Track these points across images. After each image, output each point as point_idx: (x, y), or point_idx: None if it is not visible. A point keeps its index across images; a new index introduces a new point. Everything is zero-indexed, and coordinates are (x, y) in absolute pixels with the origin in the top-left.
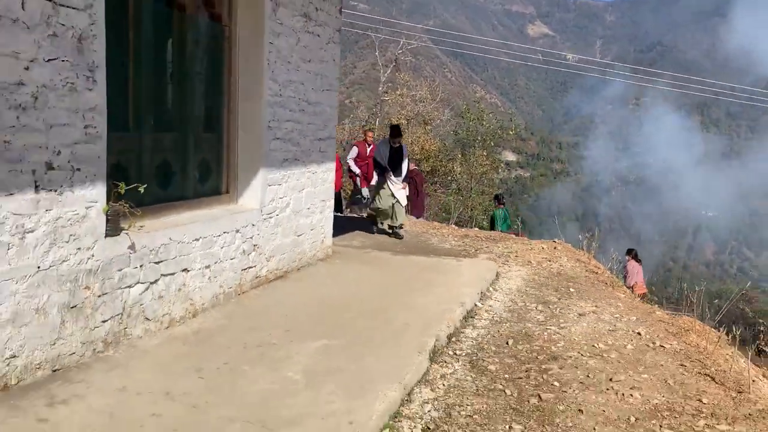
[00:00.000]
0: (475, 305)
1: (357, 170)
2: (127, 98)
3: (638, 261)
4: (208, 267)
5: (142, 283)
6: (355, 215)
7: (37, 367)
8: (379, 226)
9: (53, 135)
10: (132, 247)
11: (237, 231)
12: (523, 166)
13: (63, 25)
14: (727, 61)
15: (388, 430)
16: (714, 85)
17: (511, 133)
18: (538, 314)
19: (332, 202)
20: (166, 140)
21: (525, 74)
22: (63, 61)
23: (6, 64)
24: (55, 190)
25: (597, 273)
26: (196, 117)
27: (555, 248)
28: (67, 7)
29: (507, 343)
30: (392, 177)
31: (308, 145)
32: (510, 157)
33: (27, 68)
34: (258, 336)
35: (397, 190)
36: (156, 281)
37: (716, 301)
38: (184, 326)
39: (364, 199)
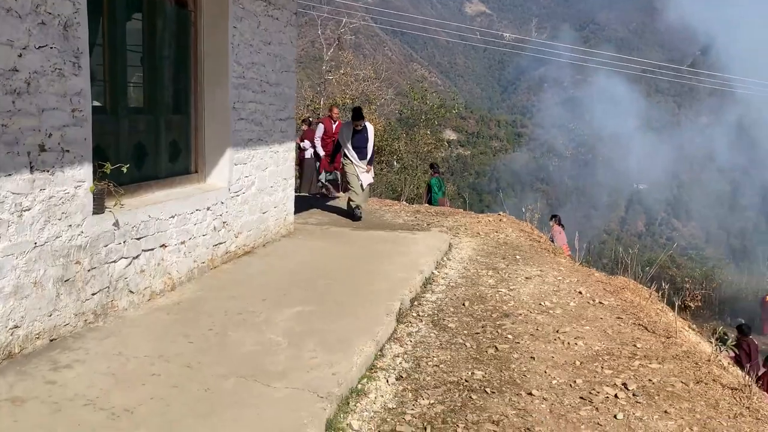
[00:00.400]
0: (433, 273)
1: (322, 152)
2: (103, 82)
3: (561, 226)
4: (183, 243)
5: (125, 258)
6: (318, 195)
7: (37, 336)
8: (351, 205)
9: (45, 118)
10: (116, 224)
11: (208, 209)
12: (464, 144)
13: (50, 13)
14: (659, 37)
15: (366, 379)
16: (643, 64)
17: (453, 111)
18: (489, 279)
19: (293, 181)
20: (140, 123)
21: (464, 53)
22: (51, 48)
23: (2, 51)
24: (48, 171)
25: (540, 242)
26: (166, 100)
27: (500, 221)
28: None
29: (464, 305)
30: (356, 160)
31: (270, 125)
32: (451, 135)
33: (20, 55)
34: (237, 305)
35: (362, 173)
36: (138, 256)
37: (647, 268)
38: (165, 298)
39: (321, 184)
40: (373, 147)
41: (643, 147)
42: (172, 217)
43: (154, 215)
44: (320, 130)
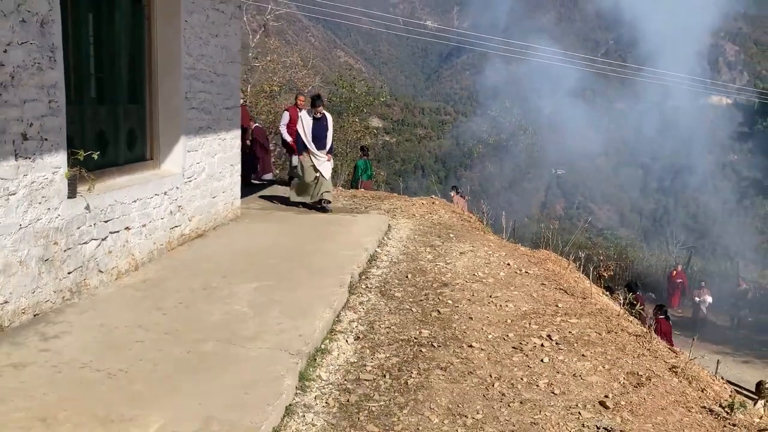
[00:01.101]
0: (376, 251)
1: (289, 138)
2: (69, 73)
3: (462, 196)
4: (144, 226)
5: (95, 239)
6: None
7: (23, 312)
8: (293, 199)
9: (27, 109)
10: (87, 207)
11: (165, 193)
12: (389, 132)
13: (29, 11)
14: (575, 26)
15: (328, 340)
16: (561, 54)
17: (381, 99)
18: (428, 254)
19: (239, 167)
20: (101, 112)
21: (387, 40)
22: (31, 44)
23: None
24: (30, 158)
25: (470, 222)
26: (123, 90)
27: (433, 203)
28: None
29: (407, 277)
30: (315, 150)
31: (218, 114)
32: (377, 123)
33: (5, 51)
34: (199, 281)
35: (321, 163)
36: (105, 238)
37: (565, 247)
38: (130, 277)
39: (294, 168)
40: (332, 136)
41: (562, 134)
42: (135, 201)
43: (119, 200)
44: (285, 117)
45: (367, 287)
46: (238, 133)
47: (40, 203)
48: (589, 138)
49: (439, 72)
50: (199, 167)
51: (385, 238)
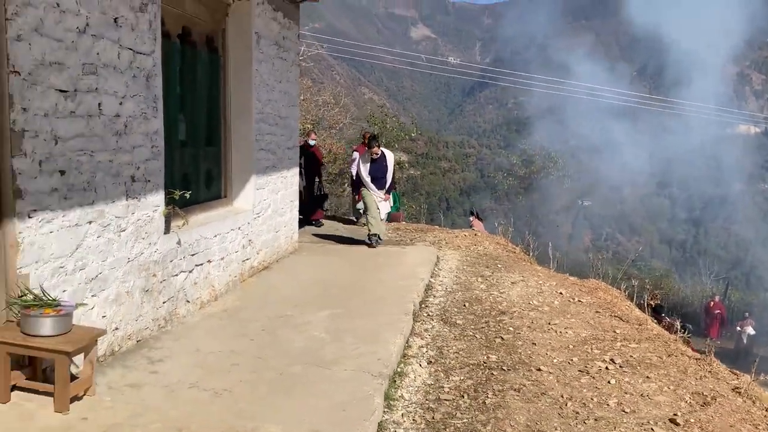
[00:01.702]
0: (430, 281)
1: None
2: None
3: (480, 219)
4: (222, 259)
5: (184, 271)
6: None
7: (129, 338)
8: (372, 232)
9: (135, 154)
10: (179, 242)
11: (239, 228)
12: (414, 165)
13: (138, 68)
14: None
15: (402, 364)
16: (585, 87)
17: (412, 134)
18: (480, 284)
19: (297, 203)
20: (186, 154)
21: (410, 76)
22: (140, 96)
23: (111, 101)
24: (136, 198)
25: (515, 253)
26: (202, 134)
27: (475, 235)
28: (141, 53)
29: (464, 306)
30: (374, 190)
31: (281, 154)
32: (402, 157)
33: (121, 103)
34: (275, 311)
35: (380, 202)
36: (192, 270)
37: (615, 278)
38: (212, 307)
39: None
40: (393, 175)
41: (587, 165)
42: (215, 236)
43: (203, 235)
44: (355, 157)
45: (428, 315)
46: (296, 171)
47: (143, 238)
48: (615, 169)
49: (462, 106)
50: (266, 203)
51: (436, 269)
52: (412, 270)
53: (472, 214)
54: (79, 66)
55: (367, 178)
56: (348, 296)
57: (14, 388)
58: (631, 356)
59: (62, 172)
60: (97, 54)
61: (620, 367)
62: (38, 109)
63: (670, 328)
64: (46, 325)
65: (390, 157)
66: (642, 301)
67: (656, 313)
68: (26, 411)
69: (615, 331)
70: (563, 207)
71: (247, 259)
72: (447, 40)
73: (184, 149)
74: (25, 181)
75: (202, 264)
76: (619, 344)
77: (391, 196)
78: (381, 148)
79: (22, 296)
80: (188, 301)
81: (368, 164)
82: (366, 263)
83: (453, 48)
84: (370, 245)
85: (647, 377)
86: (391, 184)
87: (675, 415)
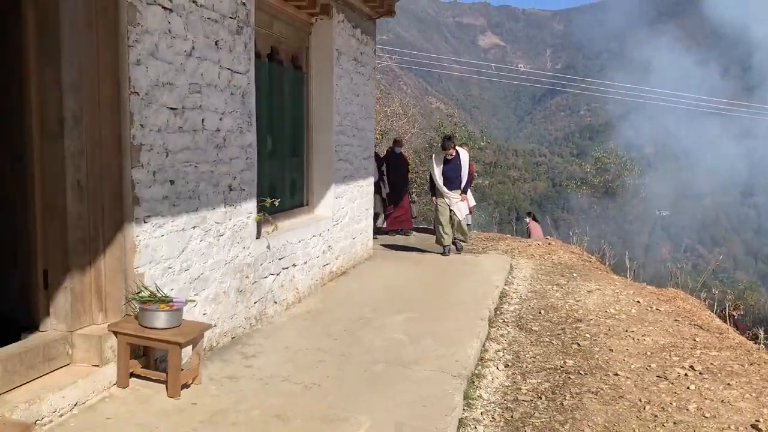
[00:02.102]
0: (504, 288)
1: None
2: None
3: (536, 221)
4: (305, 263)
5: (272, 274)
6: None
7: (224, 335)
8: (444, 244)
9: (232, 165)
10: (268, 246)
11: (320, 235)
12: (482, 175)
13: (235, 86)
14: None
15: (480, 367)
16: (658, 93)
17: (482, 143)
18: (555, 292)
19: (372, 211)
20: (273, 165)
21: (478, 84)
22: (236, 112)
23: (213, 117)
24: (233, 205)
25: (590, 262)
26: (287, 145)
27: (549, 244)
28: (238, 73)
29: (540, 313)
30: (447, 191)
31: (358, 164)
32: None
33: (221, 119)
34: (354, 313)
35: (454, 203)
36: (279, 273)
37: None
38: (296, 308)
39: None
40: (470, 173)
41: (665, 173)
42: (299, 241)
43: (289, 240)
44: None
45: (504, 321)
46: (371, 180)
47: (238, 242)
48: (695, 177)
49: (532, 114)
50: (344, 211)
51: (510, 277)
52: (486, 277)
53: (528, 215)
54: (186, 86)
55: (439, 180)
56: (423, 301)
57: (131, 375)
58: (711, 364)
59: (171, 182)
60: (201, 74)
61: (700, 373)
62: (153, 125)
63: (752, 339)
64: (161, 319)
65: (464, 155)
66: (723, 311)
67: (738, 323)
68: (143, 395)
69: (694, 339)
70: (639, 217)
71: (327, 264)
72: (516, 48)
73: (272, 160)
74: (142, 190)
75: (287, 268)
76: (698, 352)
77: (469, 195)
78: (455, 148)
79: (138, 293)
80: (275, 302)
81: (441, 165)
82: (440, 270)
83: (522, 55)
84: (443, 254)
85: (728, 384)
86: (467, 182)
87: (757, 421)
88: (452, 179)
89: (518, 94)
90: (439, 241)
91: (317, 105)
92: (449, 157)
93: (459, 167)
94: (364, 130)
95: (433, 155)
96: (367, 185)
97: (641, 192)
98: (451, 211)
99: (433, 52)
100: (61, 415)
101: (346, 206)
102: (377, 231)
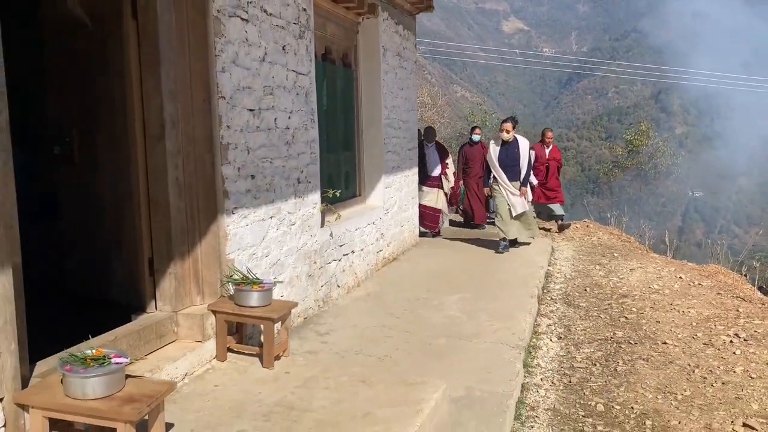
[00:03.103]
0: (548, 269)
1: (535, 181)
2: None
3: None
4: (362, 250)
5: (335, 260)
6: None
7: (298, 316)
8: (502, 242)
9: (300, 160)
10: (331, 234)
11: (373, 223)
12: None
13: (300, 87)
14: (705, 42)
15: (534, 339)
16: (684, 72)
17: None
18: (599, 271)
19: (417, 199)
20: (330, 159)
21: (504, 70)
22: (302, 110)
23: (283, 116)
24: (301, 197)
25: (630, 242)
26: (342, 139)
27: (588, 226)
28: (301, 74)
29: (585, 290)
30: (505, 181)
31: (404, 155)
32: None
33: (289, 117)
34: (411, 294)
35: (512, 196)
36: (340, 259)
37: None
38: (356, 291)
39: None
40: (529, 165)
41: (698, 154)
42: (356, 230)
43: (348, 228)
44: (532, 157)
45: (552, 299)
46: (416, 170)
47: (306, 231)
48: (727, 157)
49: (558, 98)
50: (392, 201)
51: (552, 258)
52: (530, 259)
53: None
54: (261, 89)
55: (496, 164)
56: (474, 282)
57: (228, 350)
58: (755, 331)
59: (252, 177)
60: (273, 77)
61: (744, 340)
62: (236, 126)
63: None
64: (254, 298)
65: (524, 143)
66: (765, 286)
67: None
68: (241, 367)
69: (737, 310)
70: (672, 199)
71: (380, 251)
72: (540, 32)
73: (329, 154)
74: (230, 184)
75: (347, 254)
76: (742, 321)
77: (528, 190)
78: (514, 133)
79: (231, 276)
80: (338, 286)
81: (498, 148)
82: (484, 254)
83: (547, 39)
84: (497, 251)
85: None
86: (526, 174)
87: None
88: (509, 167)
89: (544, 79)
90: (499, 234)
91: (366, 100)
92: (505, 138)
93: (517, 154)
94: (409, 122)
95: (492, 140)
96: (413, 175)
97: (674, 173)
98: (508, 204)
99: (456, 40)
100: (175, 385)
101: (395, 195)
102: (467, 224)
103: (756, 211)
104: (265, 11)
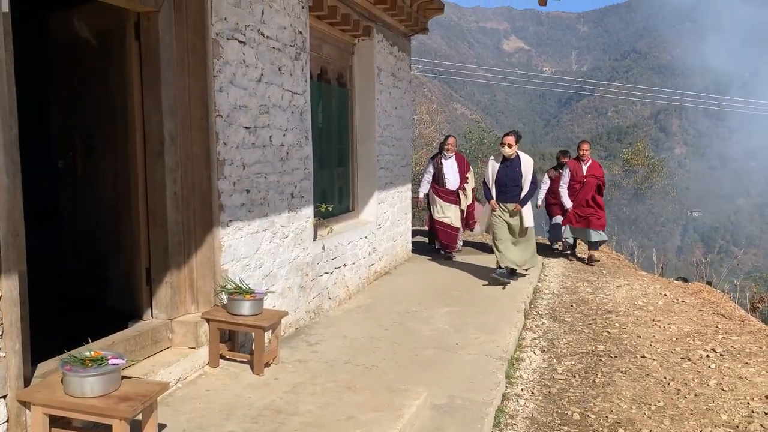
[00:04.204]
0: (537, 285)
1: (568, 203)
2: None
3: None
4: (354, 263)
5: (327, 273)
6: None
7: (289, 326)
8: (498, 269)
9: (294, 175)
10: (323, 248)
11: (366, 237)
12: None
13: (295, 105)
14: (705, 62)
15: (518, 352)
16: (684, 95)
17: None
18: (586, 288)
19: (410, 215)
20: (324, 174)
21: (503, 89)
22: (296, 128)
23: (278, 134)
24: (294, 211)
25: (619, 260)
26: (335, 156)
27: (579, 244)
28: (296, 93)
29: (571, 306)
30: (501, 202)
31: (397, 171)
32: None
33: (284, 135)
34: (401, 307)
35: (510, 217)
36: (332, 272)
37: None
38: (347, 304)
39: (565, 243)
40: (532, 184)
41: (696, 174)
42: (348, 243)
43: (340, 242)
44: (566, 175)
45: (538, 313)
46: (409, 186)
47: (299, 244)
48: (726, 178)
49: (558, 117)
50: (385, 216)
51: (542, 274)
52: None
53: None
54: (257, 107)
55: (491, 184)
56: (463, 297)
57: (220, 357)
58: (732, 347)
59: (247, 191)
60: (269, 97)
61: (720, 355)
62: (233, 143)
63: None
64: (246, 307)
65: (527, 161)
66: (746, 302)
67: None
68: (232, 373)
69: (717, 326)
70: (670, 218)
71: (372, 265)
72: (541, 51)
73: (322, 170)
74: (225, 198)
75: (339, 267)
76: (720, 337)
77: (527, 211)
78: (516, 148)
79: (225, 286)
80: (330, 298)
81: (498, 164)
82: (476, 270)
83: (547, 58)
84: (498, 281)
85: (746, 363)
86: (527, 194)
87: None
88: (506, 187)
89: (544, 98)
90: (496, 260)
91: (360, 118)
92: (507, 154)
93: (518, 173)
94: (402, 140)
95: (492, 156)
96: (405, 191)
97: (670, 193)
98: (508, 224)
99: (457, 58)
100: (169, 387)
101: (388, 211)
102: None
103: (755, 231)
104: (263, 34)
